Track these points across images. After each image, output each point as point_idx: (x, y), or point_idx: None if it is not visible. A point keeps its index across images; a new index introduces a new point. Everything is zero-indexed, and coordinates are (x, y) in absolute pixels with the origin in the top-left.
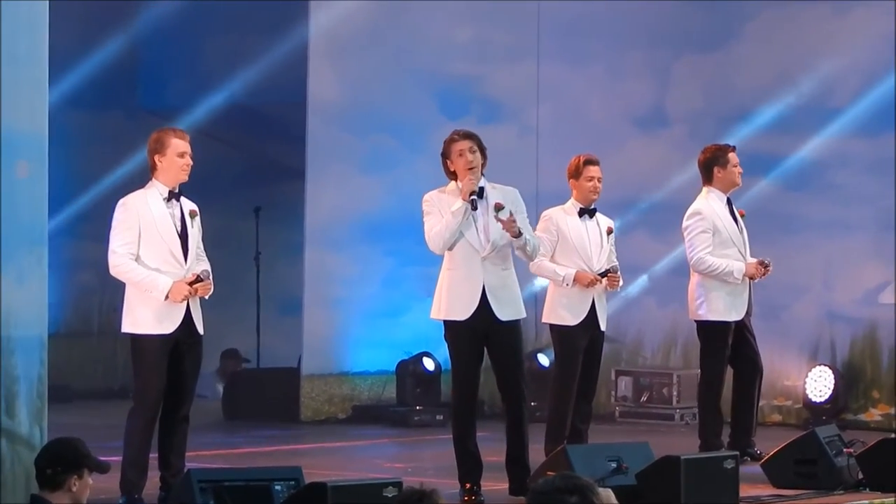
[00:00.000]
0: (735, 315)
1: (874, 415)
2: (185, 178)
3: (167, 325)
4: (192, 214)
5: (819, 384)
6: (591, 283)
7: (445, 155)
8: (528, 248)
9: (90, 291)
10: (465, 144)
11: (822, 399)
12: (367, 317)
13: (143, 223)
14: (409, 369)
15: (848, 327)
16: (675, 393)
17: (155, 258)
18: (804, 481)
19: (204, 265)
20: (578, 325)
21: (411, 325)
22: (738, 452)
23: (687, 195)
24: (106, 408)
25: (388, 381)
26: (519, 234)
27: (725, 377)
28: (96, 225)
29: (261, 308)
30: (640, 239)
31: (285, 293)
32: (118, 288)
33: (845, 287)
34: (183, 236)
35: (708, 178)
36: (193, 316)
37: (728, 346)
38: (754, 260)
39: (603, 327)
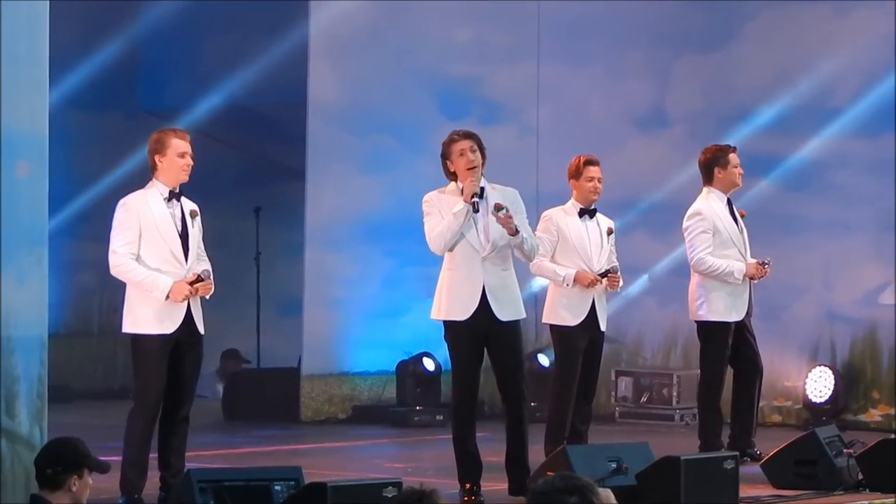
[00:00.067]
0: (735, 315)
1: (874, 415)
2: (185, 178)
3: (167, 325)
4: (193, 214)
5: (819, 385)
6: (592, 284)
7: (445, 156)
8: (525, 246)
9: (90, 291)
10: (465, 144)
11: (822, 400)
12: (367, 317)
13: (143, 223)
14: (409, 369)
15: (848, 328)
16: (675, 393)
17: (155, 258)
18: (804, 482)
19: (205, 265)
20: (578, 325)
21: (411, 325)
22: (738, 453)
23: (687, 195)
24: (106, 408)
25: (388, 382)
26: (516, 232)
27: (725, 378)
28: (96, 225)
29: (261, 308)
30: (640, 239)
31: (285, 293)
32: (118, 288)
33: (845, 287)
34: (183, 236)
35: (708, 179)
36: (194, 316)
37: (728, 347)
38: (754, 260)
39: (603, 328)
